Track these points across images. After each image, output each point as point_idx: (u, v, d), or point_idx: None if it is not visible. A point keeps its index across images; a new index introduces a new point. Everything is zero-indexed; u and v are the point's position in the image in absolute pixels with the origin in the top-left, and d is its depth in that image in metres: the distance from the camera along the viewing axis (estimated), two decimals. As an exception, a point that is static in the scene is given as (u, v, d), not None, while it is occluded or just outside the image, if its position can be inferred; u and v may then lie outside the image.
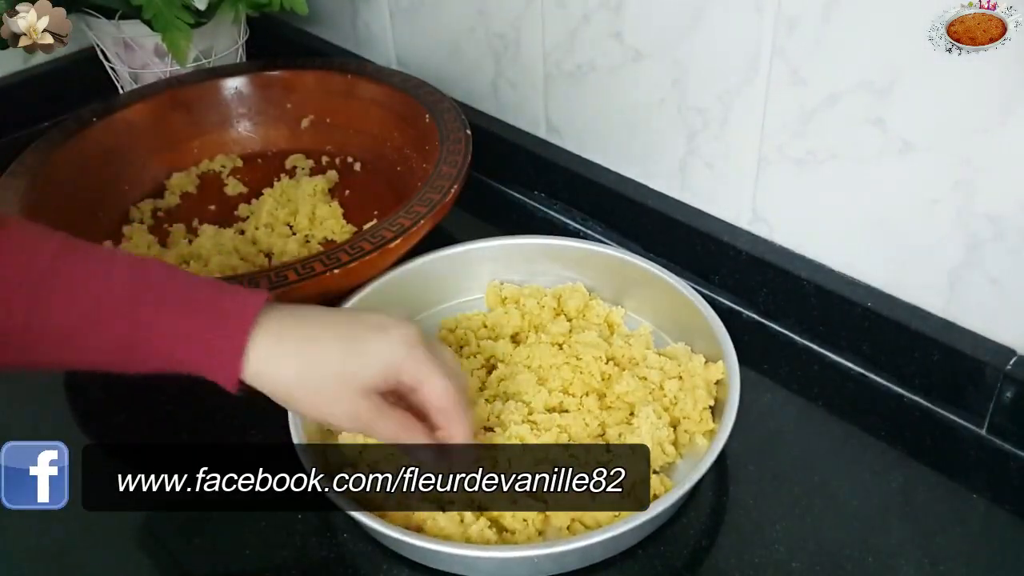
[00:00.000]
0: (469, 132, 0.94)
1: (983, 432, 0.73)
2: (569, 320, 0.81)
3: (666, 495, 0.63)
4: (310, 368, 0.59)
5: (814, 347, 0.82)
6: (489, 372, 0.77)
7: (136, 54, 1.11)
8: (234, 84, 1.09)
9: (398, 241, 0.79)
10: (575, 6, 0.89)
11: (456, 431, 0.61)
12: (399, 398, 0.62)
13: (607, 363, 0.76)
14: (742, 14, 0.76)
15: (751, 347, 0.77)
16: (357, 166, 1.06)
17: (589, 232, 0.97)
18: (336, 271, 0.76)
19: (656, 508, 0.62)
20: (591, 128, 0.96)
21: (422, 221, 0.81)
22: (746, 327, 0.85)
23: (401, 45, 1.15)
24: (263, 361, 0.58)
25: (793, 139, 0.77)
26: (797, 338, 0.83)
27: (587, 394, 0.73)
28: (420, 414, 0.62)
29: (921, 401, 0.76)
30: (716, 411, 0.73)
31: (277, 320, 0.59)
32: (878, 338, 0.77)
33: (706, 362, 0.75)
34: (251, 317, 0.58)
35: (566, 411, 0.72)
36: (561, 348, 0.78)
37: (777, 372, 0.80)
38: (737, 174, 0.83)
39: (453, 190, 0.85)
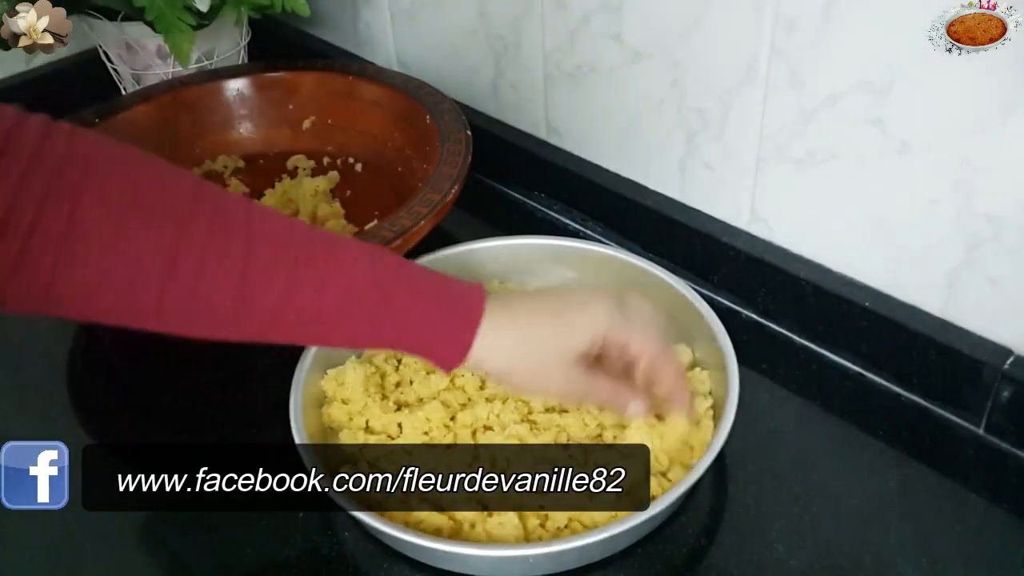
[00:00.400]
0: (469, 133, 0.94)
1: (981, 431, 0.73)
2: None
3: (665, 495, 0.63)
4: (528, 351, 0.64)
5: (813, 347, 0.82)
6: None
7: (138, 55, 1.11)
8: (236, 85, 1.09)
9: (399, 241, 0.79)
10: (575, 7, 0.89)
11: (664, 376, 0.67)
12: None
13: None
14: (741, 15, 0.76)
15: (750, 347, 0.77)
16: (358, 167, 1.07)
17: (589, 232, 0.98)
18: None
19: (655, 508, 0.62)
20: (591, 129, 0.96)
21: (423, 221, 0.81)
22: (745, 327, 0.85)
23: (402, 46, 1.16)
24: (486, 349, 0.62)
25: (792, 139, 0.77)
26: (796, 338, 0.83)
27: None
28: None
29: (919, 401, 0.76)
30: (716, 410, 0.73)
31: (496, 310, 0.63)
32: (877, 338, 0.77)
33: (701, 368, 0.75)
34: (479, 309, 0.62)
35: (565, 411, 0.72)
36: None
37: (776, 372, 0.80)
38: (736, 174, 0.84)
39: (454, 190, 0.85)
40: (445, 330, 0.61)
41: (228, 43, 1.15)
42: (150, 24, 1.03)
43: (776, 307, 0.84)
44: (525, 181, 1.03)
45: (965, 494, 0.70)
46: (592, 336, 0.64)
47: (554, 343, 0.64)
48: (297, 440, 0.68)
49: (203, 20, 1.07)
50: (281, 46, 1.27)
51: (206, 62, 1.13)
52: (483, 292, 0.63)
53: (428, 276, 0.63)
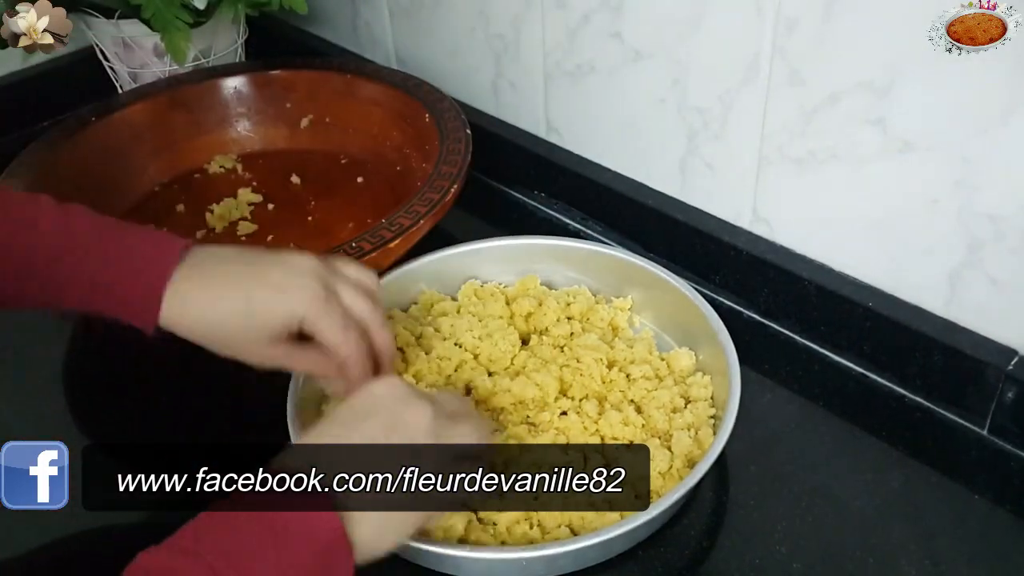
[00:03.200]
0: (469, 131, 0.94)
1: (984, 432, 0.73)
2: (569, 320, 0.81)
3: (666, 495, 0.63)
4: (219, 324, 0.64)
5: (815, 347, 0.82)
6: (490, 374, 0.77)
7: (135, 53, 1.11)
8: (233, 84, 1.09)
9: (398, 241, 0.79)
10: (575, 6, 0.89)
11: (352, 375, 0.65)
12: None
13: (611, 368, 0.76)
14: (742, 14, 0.76)
15: (751, 347, 0.77)
16: (357, 166, 1.06)
17: (589, 232, 0.97)
18: None
19: (656, 508, 0.62)
20: (591, 128, 0.96)
21: (422, 221, 0.81)
22: (747, 327, 0.85)
23: (401, 45, 1.15)
24: (176, 313, 0.62)
25: (793, 139, 0.77)
26: (798, 338, 0.83)
27: (586, 397, 0.73)
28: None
29: (922, 402, 0.76)
30: (717, 411, 0.73)
31: (189, 272, 0.63)
32: (879, 338, 0.77)
33: (703, 373, 0.75)
34: (167, 271, 0.62)
35: (564, 413, 0.72)
36: (563, 350, 0.78)
37: (778, 372, 0.80)
38: (738, 174, 0.83)
39: (453, 190, 0.85)
40: (126, 291, 0.63)
41: (226, 41, 1.15)
42: (147, 22, 1.03)
43: (778, 307, 0.83)
44: (525, 180, 1.03)
45: (968, 495, 0.70)
46: (283, 322, 0.63)
47: (243, 322, 0.63)
48: (294, 440, 0.67)
49: (200, 18, 1.06)
50: (279, 44, 1.27)
51: (203, 60, 1.13)
52: (176, 249, 0.63)
53: (120, 236, 0.64)
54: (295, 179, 1.05)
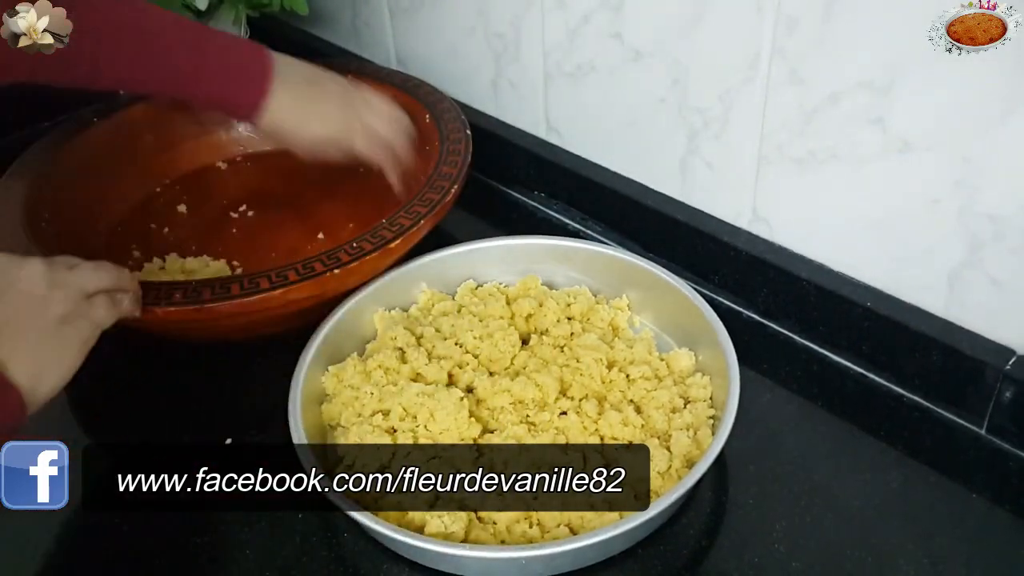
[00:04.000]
0: (469, 132, 0.94)
1: (983, 432, 0.73)
2: (569, 320, 0.82)
3: (666, 495, 0.63)
4: (314, 105, 0.86)
5: (814, 347, 0.82)
6: (491, 374, 0.77)
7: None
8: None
9: (398, 241, 0.79)
10: (575, 6, 0.89)
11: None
12: None
13: (610, 368, 0.76)
14: (742, 14, 0.76)
15: (751, 347, 0.77)
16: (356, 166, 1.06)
17: (589, 232, 0.97)
18: (336, 271, 0.76)
19: (656, 508, 0.62)
20: (591, 128, 0.96)
21: (422, 221, 0.81)
22: (746, 327, 0.85)
23: (401, 45, 1.15)
24: (272, 120, 0.84)
25: (793, 139, 0.77)
26: (797, 338, 0.83)
27: (586, 397, 0.73)
28: None
29: (921, 401, 0.76)
30: (717, 411, 0.73)
31: (283, 87, 0.84)
32: (878, 338, 0.77)
33: (702, 373, 0.75)
34: (269, 67, 0.84)
35: (564, 413, 0.72)
36: (563, 351, 0.78)
37: (777, 372, 0.80)
38: (737, 174, 0.83)
39: (453, 190, 0.85)
40: (241, 81, 0.82)
41: (227, 42, 1.15)
42: None
43: (777, 307, 0.84)
44: (525, 181, 1.03)
45: (967, 495, 0.69)
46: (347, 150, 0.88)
47: (340, 99, 0.88)
48: (296, 440, 0.68)
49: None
50: (280, 45, 1.26)
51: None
52: (269, 55, 0.84)
53: (221, 36, 0.83)
54: (296, 179, 1.05)
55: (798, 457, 0.73)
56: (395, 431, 0.71)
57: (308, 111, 0.85)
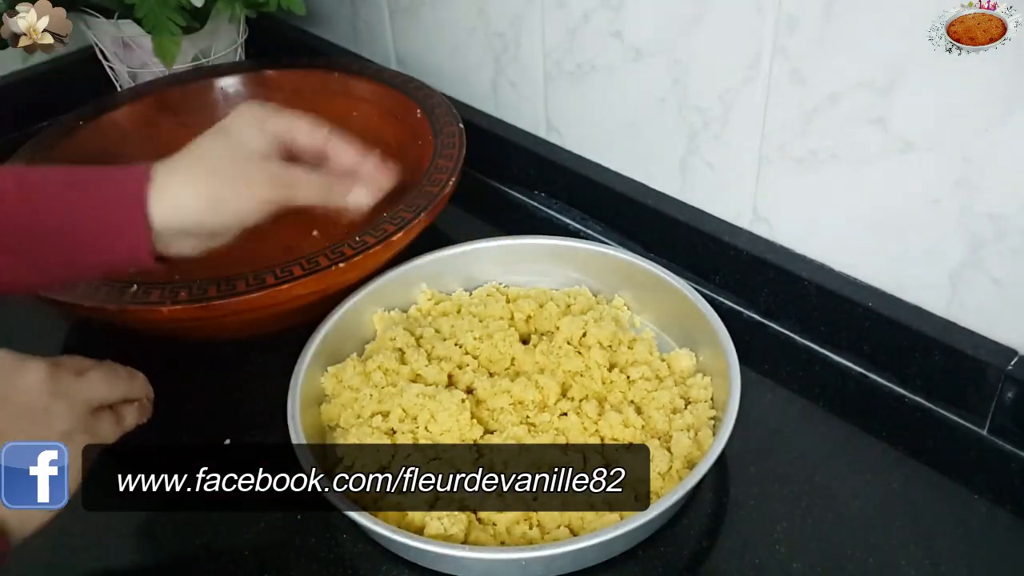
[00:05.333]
0: (462, 126, 0.94)
1: (984, 432, 0.73)
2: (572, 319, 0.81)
3: (666, 496, 0.63)
4: (208, 175, 0.65)
5: (815, 347, 0.82)
6: (491, 374, 0.77)
7: (135, 53, 1.11)
8: (227, 83, 1.09)
9: (400, 234, 0.79)
10: (575, 5, 0.89)
11: (341, 151, 0.72)
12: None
13: (611, 369, 0.76)
14: (743, 13, 0.76)
15: (751, 347, 0.77)
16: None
17: (589, 232, 0.97)
18: (341, 265, 0.76)
19: (656, 508, 0.62)
20: (591, 128, 0.96)
21: (422, 214, 0.81)
22: (747, 327, 0.85)
23: (401, 44, 1.15)
24: (168, 206, 0.63)
25: (794, 138, 0.77)
26: (797, 338, 0.83)
27: (586, 398, 0.73)
28: None
29: (922, 402, 0.76)
30: (717, 411, 0.73)
31: (160, 171, 0.64)
32: (879, 338, 0.77)
33: (703, 374, 0.75)
34: (144, 177, 0.63)
35: (564, 415, 0.72)
36: (563, 351, 0.78)
37: (778, 372, 0.80)
38: (738, 173, 0.83)
39: (450, 183, 0.85)
40: (116, 211, 0.62)
41: (225, 41, 1.15)
42: (139, 22, 1.03)
43: (778, 307, 0.83)
44: (525, 180, 1.03)
45: (968, 495, 0.69)
46: (254, 128, 0.68)
47: (225, 152, 0.66)
48: (295, 440, 0.68)
49: (194, 22, 1.05)
50: (279, 44, 1.27)
51: (203, 60, 1.13)
52: (146, 168, 0.64)
53: (82, 173, 0.64)
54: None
55: (799, 458, 0.73)
56: (395, 432, 0.71)
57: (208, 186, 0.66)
